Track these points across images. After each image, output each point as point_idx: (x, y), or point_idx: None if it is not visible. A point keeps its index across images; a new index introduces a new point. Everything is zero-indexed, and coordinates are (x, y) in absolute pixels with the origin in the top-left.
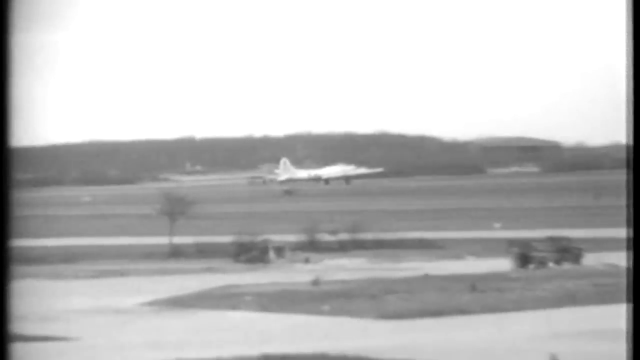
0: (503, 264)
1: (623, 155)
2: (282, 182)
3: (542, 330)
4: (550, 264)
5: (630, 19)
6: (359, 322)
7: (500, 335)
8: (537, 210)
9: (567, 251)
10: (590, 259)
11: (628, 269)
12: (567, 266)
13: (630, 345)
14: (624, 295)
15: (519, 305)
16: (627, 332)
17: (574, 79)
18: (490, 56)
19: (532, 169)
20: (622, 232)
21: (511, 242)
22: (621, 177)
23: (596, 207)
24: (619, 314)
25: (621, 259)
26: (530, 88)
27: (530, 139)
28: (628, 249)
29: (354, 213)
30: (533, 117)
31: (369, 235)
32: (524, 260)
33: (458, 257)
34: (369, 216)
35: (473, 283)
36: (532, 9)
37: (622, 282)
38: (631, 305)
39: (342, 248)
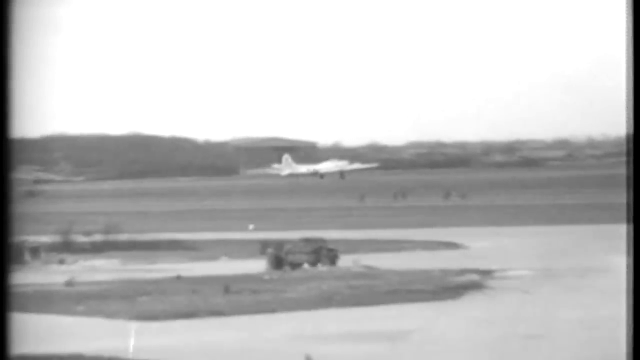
0: (257, 266)
1: (380, 155)
2: (285, 176)
3: (297, 332)
4: (305, 266)
5: None
6: (114, 323)
7: (254, 337)
8: (292, 211)
9: (322, 252)
10: (346, 261)
11: (628, 267)
12: (322, 268)
13: (631, 345)
14: (380, 297)
15: (274, 307)
16: (628, 333)
17: (331, 81)
18: (242, 57)
19: None
20: (382, 234)
21: (265, 243)
22: (386, 177)
23: (356, 208)
24: (374, 316)
25: (377, 261)
26: (286, 87)
27: (285, 140)
28: (628, 246)
29: (109, 214)
30: (289, 117)
31: (123, 237)
32: (278, 261)
33: (212, 258)
34: (123, 217)
35: (227, 284)
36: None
37: (378, 284)
38: (631, 305)
39: (97, 249)
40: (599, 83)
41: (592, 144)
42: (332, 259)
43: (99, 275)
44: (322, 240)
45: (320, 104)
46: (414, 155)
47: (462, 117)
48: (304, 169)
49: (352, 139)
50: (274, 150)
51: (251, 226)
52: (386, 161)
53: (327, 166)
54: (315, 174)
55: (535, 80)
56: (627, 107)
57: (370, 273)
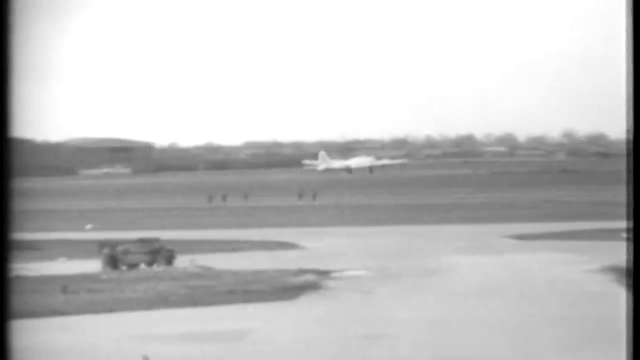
0: (95, 266)
1: (215, 156)
2: (322, 171)
3: (134, 332)
4: (142, 266)
5: None
6: None
7: (92, 337)
8: (129, 212)
9: (159, 253)
10: (182, 261)
11: (628, 264)
12: (158, 268)
13: (631, 345)
14: (216, 298)
15: (111, 307)
16: (627, 331)
17: (169, 82)
18: (87, 57)
19: (123, 170)
20: (220, 234)
21: (102, 244)
22: (227, 178)
23: (196, 208)
24: (211, 316)
25: (214, 261)
26: (145, 89)
27: (121, 140)
28: (628, 244)
29: None
30: (125, 118)
31: None
32: (114, 261)
33: (50, 258)
34: None
35: (65, 284)
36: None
37: (214, 285)
38: (631, 304)
39: None
40: (441, 86)
41: (430, 143)
42: (169, 259)
43: None
44: (159, 241)
45: (156, 105)
46: (250, 155)
47: (298, 117)
48: (337, 164)
49: (188, 140)
50: (111, 150)
51: (89, 226)
52: (223, 162)
53: (358, 161)
54: (348, 169)
55: (374, 80)
56: (627, 106)
57: (207, 273)
